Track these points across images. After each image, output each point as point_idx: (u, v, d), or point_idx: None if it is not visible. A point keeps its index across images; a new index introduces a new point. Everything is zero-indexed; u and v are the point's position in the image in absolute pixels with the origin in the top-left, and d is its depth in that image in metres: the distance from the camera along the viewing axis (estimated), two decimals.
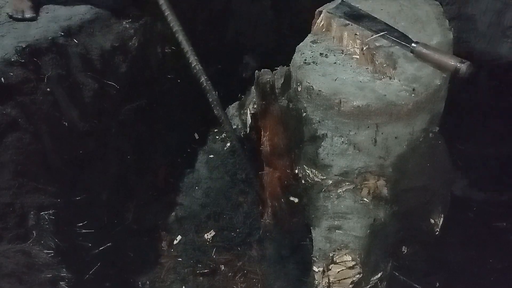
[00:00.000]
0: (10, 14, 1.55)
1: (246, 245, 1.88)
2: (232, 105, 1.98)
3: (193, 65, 1.68)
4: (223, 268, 1.86)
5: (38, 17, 1.57)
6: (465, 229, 1.92)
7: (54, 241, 1.44)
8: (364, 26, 1.49)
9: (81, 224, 1.57)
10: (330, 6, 1.60)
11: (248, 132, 1.75)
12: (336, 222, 1.46)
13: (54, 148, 1.52)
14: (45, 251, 1.40)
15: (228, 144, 2.00)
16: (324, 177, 1.45)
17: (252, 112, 1.68)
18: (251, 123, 1.70)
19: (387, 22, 1.50)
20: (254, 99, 1.61)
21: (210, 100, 1.70)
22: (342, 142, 1.40)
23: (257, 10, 2.01)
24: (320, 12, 1.58)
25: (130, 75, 1.76)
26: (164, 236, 1.94)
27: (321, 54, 1.49)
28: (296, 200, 1.57)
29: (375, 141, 1.37)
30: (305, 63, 1.45)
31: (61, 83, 1.52)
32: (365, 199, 1.44)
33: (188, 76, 1.98)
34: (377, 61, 1.40)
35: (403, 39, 1.43)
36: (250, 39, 2.08)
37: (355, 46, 1.46)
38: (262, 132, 1.55)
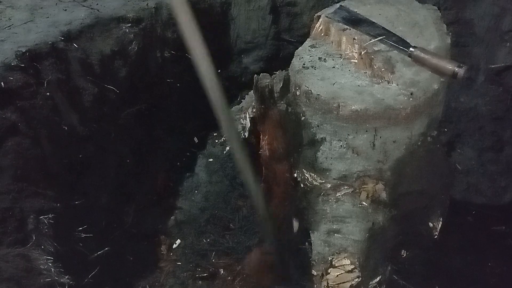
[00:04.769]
0: None
1: (246, 249, 1.88)
2: (231, 109, 1.98)
3: None
4: (222, 272, 1.85)
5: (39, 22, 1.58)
6: (464, 233, 1.92)
7: (53, 245, 1.44)
8: (362, 31, 1.50)
9: (81, 228, 1.57)
10: (328, 10, 1.60)
11: (247, 136, 1.76)
12: (335, 226, 1.46)
13: (53, 153, 1.52)
14: (44, 255, 1.40)
15: (228, 148, 2.00)
16: (323, 181, 1.46)
17: (251, 116, 1.68)
18: (250, 127, 1.71)
19: (385, 27, 1.51)
20: (253, 103, 1.62)
21: None
22: (341, 146, 1.40)
23: (256, 15, 2.01)
24: (319, 17, 1.59)
25: (130, 79, 1.77)
26: (163, 240, 1.94)
27: (319, 58, 1.49)
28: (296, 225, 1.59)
29: (374, 145, 1.38)
30: (304, 67, 1.46)
31: (61, 87, 1.52)
32: (364, 203, 1.44)
33: (187, 80, 1.99)
34: (375, 65, 1.41)
35: (401, 43, 1.44)
36: (249, 44, 2.08)
37: (354, 50, 1.47)
38: (261, 136, 1.55)
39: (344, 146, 1.40)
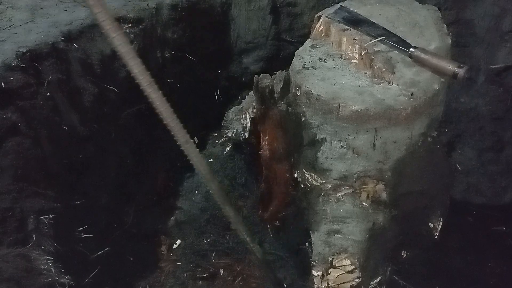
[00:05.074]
0: None
1: (246, 249, 1.88)
2: (232, 109, 1.98)
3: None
4: (222, 272, 1.85)
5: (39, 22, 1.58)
6: (464, 233, 1.93)
7: (53, 245, 1.44)
8: (362, 31, 1.50)
9: (81, 228, 1.57)
10: (329, 11, 1.60)
11: (247, 136, 1.76)
12: (335, 226, 1.46)
13: (54, 153, 1.52)
14: (44, 255, 1.40)
15: (228, 148, 2.00)
16: (323, 181, 1.46)
17: (251, 116, 1.68)
18: (250, 127, 1.71)
19: (385, 27, 1.51)
20: (253, 104, 1.62)
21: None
22: (341, 146, 1.40)
23: (257, 15, 2.02)
24: (319, 17, 1.59)
25: (130, 79, 1.76)
26: (163, 240, 1.94)
27: (320, 58, 1.49)
28: None
29: (374, 145, 1.38)
30: (304, 67, 1.46)
31: (61, 87, 1.52)
32: (364, 203, 1.44)
33: (187, 80, 1.99)
34: (376, 65, 1.41)
35: (401, 44, 1.44)
36: (249, 44, 2.08)
37: (354, 50, 1.47)
38: (262, 137, 1.55)
39: (345, 146, 1.39)
